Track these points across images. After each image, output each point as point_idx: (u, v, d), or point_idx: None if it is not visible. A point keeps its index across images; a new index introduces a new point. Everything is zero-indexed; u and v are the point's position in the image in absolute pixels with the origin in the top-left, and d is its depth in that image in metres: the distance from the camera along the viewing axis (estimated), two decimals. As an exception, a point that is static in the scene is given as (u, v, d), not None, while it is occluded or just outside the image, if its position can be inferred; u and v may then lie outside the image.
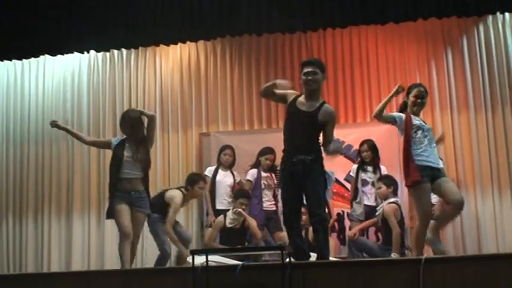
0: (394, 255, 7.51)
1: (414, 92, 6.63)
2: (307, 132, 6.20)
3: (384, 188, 7.95)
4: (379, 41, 9.68)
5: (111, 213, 7.05)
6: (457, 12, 8.46)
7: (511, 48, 9.20)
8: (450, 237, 8.85)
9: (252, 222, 8.08)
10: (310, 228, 7.44)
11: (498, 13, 8.98)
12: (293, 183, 6.18)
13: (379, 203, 8.14)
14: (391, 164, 8.68)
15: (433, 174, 6.38)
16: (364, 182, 8.37)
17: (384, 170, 8.46)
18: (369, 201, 8.30)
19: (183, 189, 8.07)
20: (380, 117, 6.56)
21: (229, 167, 8.76)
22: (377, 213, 7.99)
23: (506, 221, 8.78)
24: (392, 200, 7.92)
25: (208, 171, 8.75)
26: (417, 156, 6.36)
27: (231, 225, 8.03)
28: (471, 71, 9.27)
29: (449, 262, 5.91)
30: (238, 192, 8.32)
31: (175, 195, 7.94)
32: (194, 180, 8.10)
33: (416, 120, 6.53)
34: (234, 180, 8.70)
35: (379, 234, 8.29)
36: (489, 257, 6.28)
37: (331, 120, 6.29)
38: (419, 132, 6.46)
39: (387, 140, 8.85)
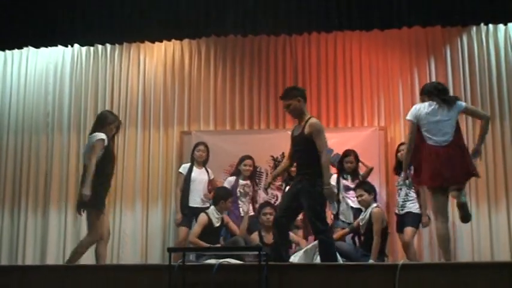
0: (371, 261, 7.52)
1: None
2: None
3: (366, 195, 7.93)
4: (363, 47, 9.71)
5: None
6: (441, 21, 8.47)
7: (493, 60, 9.30)
8: (426, 244, 8.89)
9: (227, 219, 8.23)
10: None
11: (482, 24, 9.05)
12: None
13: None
14: (372, 167, 8.74)
15: None
16: (347, 188, 8.43)
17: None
18: (355, 203, 8.31)
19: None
20: None
21: (203, 163, 8.76)
22: (361, 217, 7.97)
23: (482, 229, 8.83)
24: (375, 204, 7.97)
25: (183, 169, 8.74)
26: None
27: (217, 225, 8.05)
28: (453, 81, 9.32)
29: (425, 269, 5.95)
30: (222, 192, 8.27)
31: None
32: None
33: None
34: (209, 177, 8.70)
35: (356, 238, 8.27)
36: (464, 266, 6.31)
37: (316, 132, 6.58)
38: None
39: (367, 144, 9.00)
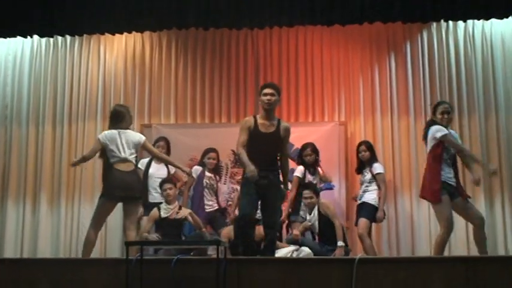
0: (340, 243, 7.62)
1: (440, 108, 7.09)
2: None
3: (314, 197, 8.02)
4: (324, 42, 9.74)
5: None
6: (402, 18, 8.58)
7: (452, 56, 9.41)
8: (385, 239, 8.98)
9: (187, 211, 8.06)
10: None
11: (442, 21, 9.18)
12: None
13: None
14: (331, 163, 8.87)
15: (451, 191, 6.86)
16: None
17: (320, 171, 8.57)
18: None
19: None
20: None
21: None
22: (309, 218, 8.03)
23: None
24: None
25: (141, 164, 8.56)
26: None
27: (166, 215, 7.95)
28: (413, 77, 9.43)
29: (383, 263, 6.00)
30: (166, 178, 8.28)
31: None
32: None
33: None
34: (168, 172, 8.61)
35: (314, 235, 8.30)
36: (421, 260, 6.39)
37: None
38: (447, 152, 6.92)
39: (327, 139, 9.05)
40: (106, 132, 7.31)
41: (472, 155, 7.36)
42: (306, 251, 7.54)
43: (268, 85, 6.95)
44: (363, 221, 8.11)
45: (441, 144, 6.89)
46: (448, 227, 6.84)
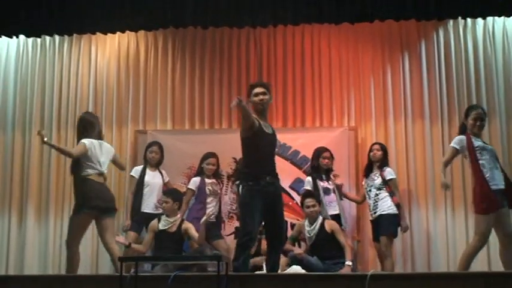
0: (348, 263, 7.61)
1: (473, 114, 7.09)
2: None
3: (317, 206, 7.97)
4: (332, 41, 9.69)
5: None
6: (416, 15, 8.53)
7: (471, 56, 9.33)
8: (399, 253, 8.87)
9: (188, 225, 8.00)
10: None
11: (460, 18, 9.10)
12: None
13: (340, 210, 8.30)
14: (340, 172, 8.73)
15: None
16: (327, 190, 8.33)
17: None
18: (334, 209, 8.30)
19: None
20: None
21: (157, 165, 8.65)
22: (308, 229, 7.99)
23: (458, 237, 8.83)
24: (324, 216, 8.05)
25: (135, 172, 8.58)
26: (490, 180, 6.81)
27: (164, 228, 7.92)
28: (428, 78, 9.35)
29: (397, 279, 5.93)
30: (166, 190, 8.32)
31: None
32: None
33: (478, 142, 6.96)
34: (163, 180, 8.60)
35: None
36: (438, 276, 6.32)
37: None
38: (484, 153, 6.90)
39: (336, 146, 8.90)
40: (92, 140, 7.34)
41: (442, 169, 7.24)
42: (294, 269, 7.51)
43: (257, 84, 6.90)
44: (384, 239, 8.05)
45: (472, 151, 6.88)
46: (481, 241, 6.81)
